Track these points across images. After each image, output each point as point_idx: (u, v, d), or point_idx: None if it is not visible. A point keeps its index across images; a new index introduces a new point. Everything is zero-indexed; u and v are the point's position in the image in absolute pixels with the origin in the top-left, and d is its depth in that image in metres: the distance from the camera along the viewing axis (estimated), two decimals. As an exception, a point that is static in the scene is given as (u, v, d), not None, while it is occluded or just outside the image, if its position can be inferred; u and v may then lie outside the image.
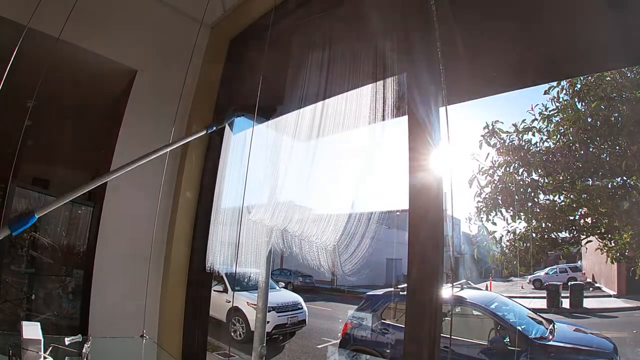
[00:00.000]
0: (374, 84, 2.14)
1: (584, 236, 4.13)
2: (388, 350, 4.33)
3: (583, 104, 3.92)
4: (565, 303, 4.70)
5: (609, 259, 3.85)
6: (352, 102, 2.27)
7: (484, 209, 4.42)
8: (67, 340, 1.62)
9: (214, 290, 5.19)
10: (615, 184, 3.73)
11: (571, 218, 4.13)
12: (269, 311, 5.43)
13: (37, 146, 3.17)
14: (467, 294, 4.29)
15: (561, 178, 4.03)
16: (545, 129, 4.14)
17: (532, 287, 5.34)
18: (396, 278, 7.25)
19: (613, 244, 3.79)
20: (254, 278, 3.26)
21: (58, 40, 2.11)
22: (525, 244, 4.38)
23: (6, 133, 2.37)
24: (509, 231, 4.43)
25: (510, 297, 4.50)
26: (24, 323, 1.49)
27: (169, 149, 1.69)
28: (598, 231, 3.92)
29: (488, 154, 4.40)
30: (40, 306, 2.79)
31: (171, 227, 2.76)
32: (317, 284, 8.11)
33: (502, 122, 4.34)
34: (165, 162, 2.47)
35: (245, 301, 5.94)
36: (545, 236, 4.25)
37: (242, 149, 2.80)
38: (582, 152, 3.92)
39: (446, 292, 1.57)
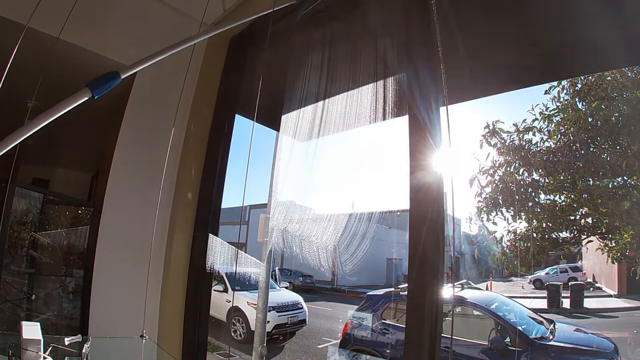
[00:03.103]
0: (375, 84, 2.14)
1: (585, 236, 4.13)
2: (388, 351, 4.33)
3: (584, 103, 3.92)
4: (566, 303, 4.70)
5: (609, 259, 3.84)
6: (352, 102, 2.27)
7: (484, 208, 4.42)
8: (67, 341, 1.62)
9: (214, 290, 5.19)
10: (616, 183, 3.73)
11: (572, 218, 4.13)
12: (269, 311, 5.43)
13: (37, 146, 3.17)
14: (468, 294, 4.28)
15: (562, 178, 4.03)
16: (545, 129, 4.15)
17: (533, 287, 5.34)
18: (396, 278, 7.25)
19: (614, 244, 3.79)
20: (254, 278, 3.27)
21: (58, 40, 2.10)
22: (525, 244, 4.38)
23: (6, 133, 2.37)
24: (509, 231, 4.43)
25: (510, 297, 4.50)
26: (24, 323, 1.48)
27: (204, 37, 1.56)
28: (599, 231, 3.92)
29: (489, 154, 4.41)
30: (40, 306, 2.80)
31: (171, 227, 2.76)
32: (318, 283, 8.11)
33: (503, 122, 4.35)
34: (165, 161, 2.46)
35: (245, 301, 5.94)
36: (546, 236, 4.25)
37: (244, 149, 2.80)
38: (582, 152, 3.91)
39: (447, 292, 1.56)
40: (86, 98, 1.15)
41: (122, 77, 1.21)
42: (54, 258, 2.98)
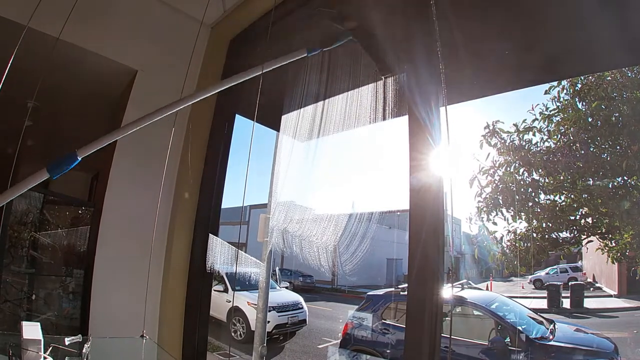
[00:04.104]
0: (375, 84, 2.14)
1: (585, 236, 4.13)
2: (388, 351, 4.33)
3: (584, 103, 3.92)
4: (566, 303, 4.70)
5: (609, 259, 3.84)
6: (352, 102, 2.27)
7: (484, 208, 4.42)
8: (67, 341, 1.62)
9: (215, 290, 5.20)
10: (616, 183, 3.73)
11: (572, 218, 4.13)
12: (269, 311, 5.43)
13: (37, 146, 3.17)
14: (468, 294, 4.28)
15: (562, 178, 4.02)
16: (545, 129, 4.14)
17: (533, 287, 5.34)
18: (397, 278, 7.25)
19: (614, 244, 3.79)
20: (254, 278, 3.27)
21: (58, 41, 2.10)
22: (525, 244, 4.38)
23: (6, 133, 2.37)
24: (509, 231, 4.43)
25: (510, 297, 4.50)
26: (24, 323, 1.49)
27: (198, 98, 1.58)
28: (599, 231, 3.92)
29: (489, 154, 4.40)
30: (40, 306, 2.79)
31: (171, 227, 2.76)
32: (318, 283, 8.11)
33: (503, 122, 4.35)
34: (166, 161, 2.46)
35: (245, 301, 5.94)
36: (546, 236, 4.25)
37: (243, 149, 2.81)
38: (582, 152, 3.91)
39: (447, 292, 1.56)
40: (44, 178, 1.24)
41: (80, 158, 1.26)
42: (54, 258, 2.98)
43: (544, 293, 4.96)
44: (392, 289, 5.05)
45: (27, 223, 2.88)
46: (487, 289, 5.27)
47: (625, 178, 3.64)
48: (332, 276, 7.62)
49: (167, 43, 2.76)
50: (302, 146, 2.60)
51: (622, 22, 1.60)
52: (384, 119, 2.07)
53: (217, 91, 1.98)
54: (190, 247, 2.80)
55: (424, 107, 1.66)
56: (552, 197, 4.16)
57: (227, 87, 1.74)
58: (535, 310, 4.31)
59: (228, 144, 2.93)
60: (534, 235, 4.28)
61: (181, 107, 1.49)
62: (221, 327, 5.99)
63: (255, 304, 5.21)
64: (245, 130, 3.14)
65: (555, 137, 4.10)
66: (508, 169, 4.33)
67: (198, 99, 1.64)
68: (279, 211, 2.75)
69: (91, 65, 2.72)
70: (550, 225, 4.18)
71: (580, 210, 4.07)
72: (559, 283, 4.92)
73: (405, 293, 1.61)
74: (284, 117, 2.75)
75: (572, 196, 4.00)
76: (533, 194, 4.25)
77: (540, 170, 4.15)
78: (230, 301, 5.97)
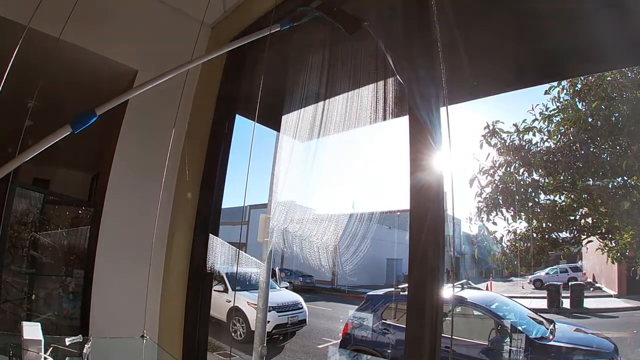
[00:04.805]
0: (375, 84, 2.14)
1: (585, 236, 4.13)
2: (389, 351, 4.34)
3: (584, 103, 3.92)
4: (566, 303, 4.70)
5: (609, 259, 3.85)
6: (352, 102, 2.27)
7: (484, 208, 4.42)
8: (67, 341, 1.62)
9: (215, 290, 5.19)
10: (615, 184, 3.73)
11: (572, 218, 4.14)
12: (269, 311, 5.43)
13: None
14: (468, 294, 4.29)
15: (562, 178, 4.03)
16: (545, 129, 4.15)
17: (533, 287, 5.34)
18: (397, 278, 7.26)
19: (614, 244, 3.79)
20: (254, 278, 3.27)
21: (58, 41, 2.10)
22: (525, 244, 4.38)
23: (6, 133, 2.37)
24: (509, 231, 4.43)
25: (510, 297, 4.50)
26: (25, 323, 1.48)
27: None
28: (599, 231, 3.92)
29: (489, 154, 4.41)
30: (40, 306, 2.80)
31: (171, 227, 2.76)
32: (318, 283, 8.11)
33: (503, 122, 4.35)
34: (166, 162, 2.46)
35: (245, 301, 5.95)
36: (546, 236, 4.26)
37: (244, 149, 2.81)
38: (582, 152, 3.92)
39: (447, 292, 1.56)
40: (67, 134, 1.36)
41: (98, 114, 1.44)
42: (54, 258, 2.98)
43: (544, 293, 4.97)
44: (392, 289, 5.05)
45: (28, 223, 2.88)
46: (487, 289, 5.27)
47: (625, 178, 3.64)
48: (332, 276, 7.63)
49: (167, 43, 2.76)
50: (302, 146, 2.60)
51: (623, 22, 1.60)
52: (384, 119, 2.07)
53: (226, 50, 2.28)
54: (190, 247, 2.80)
55: (424, 108, 1.66)
56: (552, 197, 4.16)
57: (236, 46, 1.99)
58: (535, 310, 4.32)
59: (228, 144, 2.93)
60: (534, 235, 4.29)
61: (192, 66, 1.63)
62: (221, 327, 6.00)
63: (255, 304, 5.21)
64: (245, 130, 3.14)
65: (555, 137, 4.10)
66: (508, 169, 4.34)
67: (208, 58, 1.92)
68: (280, 211, 2.75)
69: (91, 65, 2.72)
70: (550, 225, 4.18)
71: (580, 210, 4.07)
72: (558, 283, 4.93)
73: (405, 293, 1.61)
74: (284, 117, 2.75)
75: (572, 196, 4.00)
76: (533, 194, 4.25)
77: (540, 171, 4.16)
78: (230, 301, 5.97)
